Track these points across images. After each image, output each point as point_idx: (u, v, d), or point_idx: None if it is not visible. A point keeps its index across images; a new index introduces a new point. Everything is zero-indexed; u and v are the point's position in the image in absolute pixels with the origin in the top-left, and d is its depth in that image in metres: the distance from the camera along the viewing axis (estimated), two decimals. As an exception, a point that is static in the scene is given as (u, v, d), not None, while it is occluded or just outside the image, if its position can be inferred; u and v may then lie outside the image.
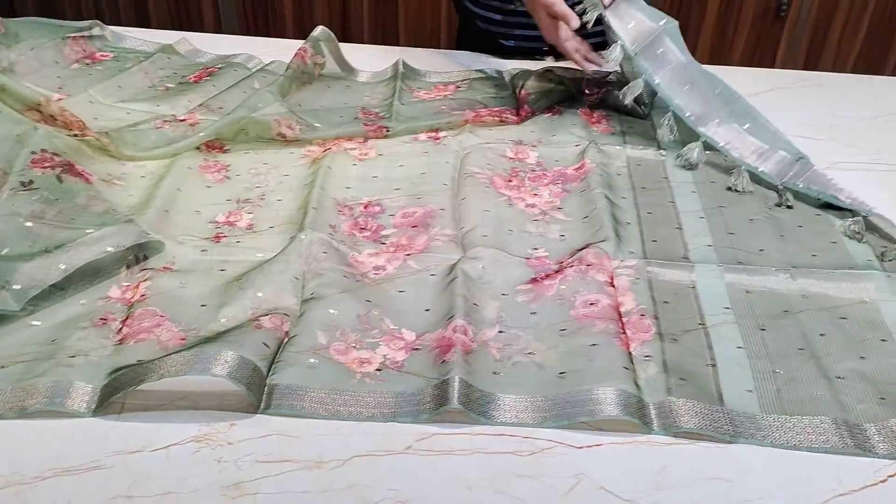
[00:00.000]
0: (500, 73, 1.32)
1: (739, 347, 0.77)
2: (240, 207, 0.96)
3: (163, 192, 0.95)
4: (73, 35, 1.32)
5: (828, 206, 0.99)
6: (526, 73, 1.24)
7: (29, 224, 0.83)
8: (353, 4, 2.40)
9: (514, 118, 1.16)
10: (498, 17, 1.40)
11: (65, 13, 2.46)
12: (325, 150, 1.07)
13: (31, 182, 0.88)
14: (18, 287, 0.77)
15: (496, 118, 1.16)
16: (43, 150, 0.93)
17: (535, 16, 1.20)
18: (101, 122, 1.11)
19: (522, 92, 1.19)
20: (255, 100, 1.10)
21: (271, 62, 1.32)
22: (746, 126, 1.10)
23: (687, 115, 1.09)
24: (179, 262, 0.86)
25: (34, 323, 0.76)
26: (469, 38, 1.48)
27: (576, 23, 1.12)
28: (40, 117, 1.00)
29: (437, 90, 1.27)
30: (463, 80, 1.30)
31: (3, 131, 0.94)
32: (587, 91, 1.23)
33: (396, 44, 1.47)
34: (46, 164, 0.92)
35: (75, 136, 1.01)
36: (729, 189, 1.02)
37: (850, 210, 0.97)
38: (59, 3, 2.48)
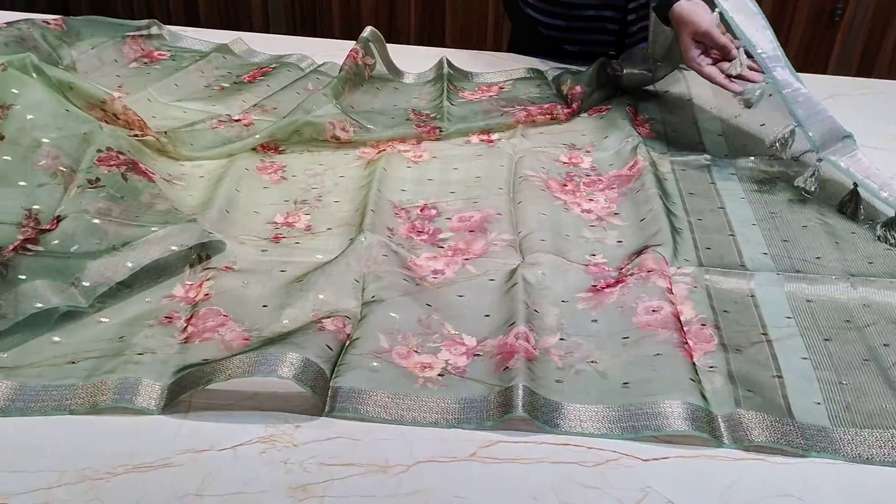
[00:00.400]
0: (539, 72, 1.32)
1: (804, 358, 0.76)
2: (297, 208, 0.97)
3: (223, 193, 0.96)
4: (132, 34, 1.33)
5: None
6: (575, 73, 1.24)
7: (96, 221, 0.85)
8: (401, 5, 2.40)
9: (565, 113, 1.17)
10: (563, 23, 1.39)
11: (117, 11, 2.50)
12: (380, 152, 1.07)
13: (97, 180, 0.90)
14: (88, 284, 0.78)
15: (547, 115, 1.15)
16: (108, 149, 0.95)
17: (678, 38, 1.11)
18: (159, 120, 1.12)
19: (577, 88, 1.19)
20: (310, 102, 1.10)
21: (323, 63, 1.32)
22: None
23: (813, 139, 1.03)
24: (241, 261, 0.86)
25: (102, 319, 0.78)
26: (527, 43, 1.47)
27: (736, 53, 1.06)
28: (103, 115, 1.02)
29: (480, 91, 1.27)
30: (506, 81, 1.31)
31: (71, 129, 0.95)
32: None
33: (442, 45, 1.47)
34: (112, 163, 0.93)
35: (136, 136, 1.02)
36: (796, 187, 1.00)
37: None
38: (112, 1, 2.51)
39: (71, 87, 1.01)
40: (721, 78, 1.08)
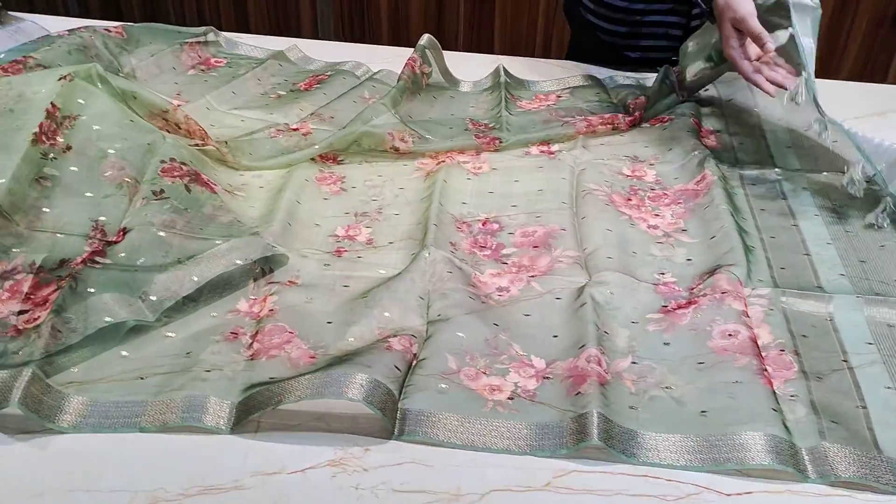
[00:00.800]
0: (595, 79, 1.30)
1: (888, 388, 0.73)
2: (358, 221, 0.96)
3: (284, 205, 0.95)
4: (190, 41, 1.34)
5: None
6: (636, 85, 1.21)
7: (162, 234, 0.84)
8: (449, 11, 2.38)
9: (627, 122, 1.14)
10: (624, 29, 1.36)
11: (168, 16, 2.52)
12: (439, 163, 1.06)
13: (161, 191, 0.89)
14: (155, 298, 0.78)
15: (608, 126, 1.13)
16: (172, 160, 0.95)
17: (719, 25, 1.09)
18: (217, 129, 1.12)
19: (641, 98, 1.17)
20: (369, 112, 1.09)
21: (378, 70, 1.32)
22: None
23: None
24: (304, 276, 0.86)
25: (169, 334, 0.77)
26: (586, 50, 1.44)
27: (771, 45, 1.02)
28: (165, 125, 1.02)
29: (538, 100, 1.25)
30: (563, 90, 1.28)
31: (135, 140, 0.96)
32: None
33: (491, 52, 1.45)
34: (175, 174, 0.93)
35: (196, 145, 1.02)
36: (868, 225, 0.96)
37: None
38: (163, 6, 2.53)
39: (134, 96, 1.01)
40: (754, 75, 1.04)
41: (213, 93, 1.21)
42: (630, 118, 1.15)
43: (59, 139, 0.92)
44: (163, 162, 0.94)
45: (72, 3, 2.57)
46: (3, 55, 1.16)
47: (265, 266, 0.86)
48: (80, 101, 0.96)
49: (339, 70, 1.32)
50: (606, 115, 1.15)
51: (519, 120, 1.17)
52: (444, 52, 1.28)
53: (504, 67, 1.31)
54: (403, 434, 0.67)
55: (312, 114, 1.18)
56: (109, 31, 1.25)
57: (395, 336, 0.75)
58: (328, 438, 0.67)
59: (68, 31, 1.22)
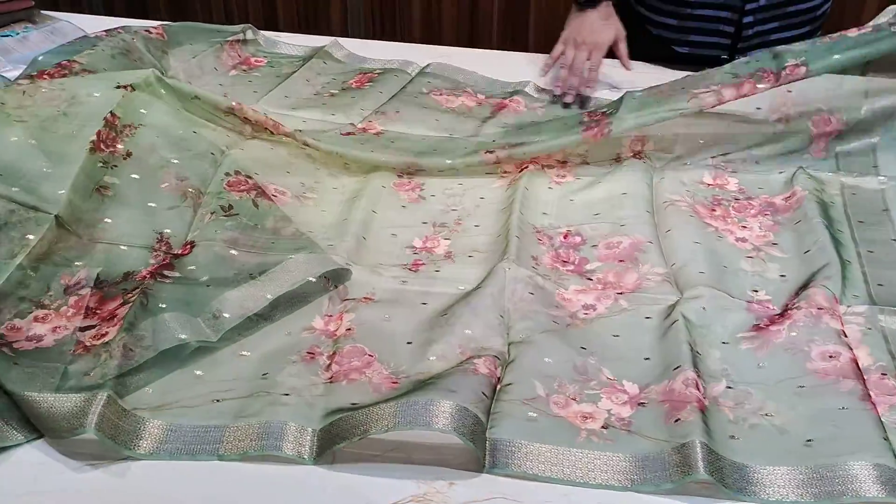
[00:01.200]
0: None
1: None
2: (436, 232, 0.92)
3: (359, 216, 0.92)
4: (230, 40, 1.32)
5: None
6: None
7: (233, 252, 0.82)
8: (483, 8, 2.33)
9: (772, 85, 0.99)
10: (673, 21, 1.31)
11: (195, 13, 2.49)
12: (522, 170, 1.01)
13: (230, 207, 0.87)
14: (228, 315, 0.75)
15: (741, 96, 0.98)
16: (237, 172, 0.93)
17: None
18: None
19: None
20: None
21: (427, 65, 1.30)
22: None
23: None
24: (380, 292, 0.82)
25: (243, 353, 0.75)
26: (635, 45, 1.39)
27: None
28: (230, 125, 1.00)
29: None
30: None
31: (197, 150, 0.94)
32: None
33: (526, 51, 1.39)
34: (242, 188, 0.91)
35: (271, 134, 0.99)
36: None
37: None
38: (191, 3, 2.51)
39: (196, 97, 0.99)
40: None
41: (265, 97, 1.19)
42: (775, 84, 0.98)
43: (119, 146, 0.90)
44: (227, 175, 0.92)
45: (96, 1, 2.56)
46: (42, 57, 1.14)
47: (338, 283, 0.83)
48: (142, 110, 0.94)
49: (388, 68, 1.30)
50: (745, 86, 0.98)
51: (638, 104, 1.03)
52: (479, 50, 1.27)
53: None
54: (495, 467, 0.63)
55: (376, 111, 1.15)
56: (150, 31, 1.24)
57: (479, 357, 0.71)
58: (410, 471, 0.64)
59: (105, 31, 1.20)
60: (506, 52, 1.42)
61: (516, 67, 1.30)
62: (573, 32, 1.24)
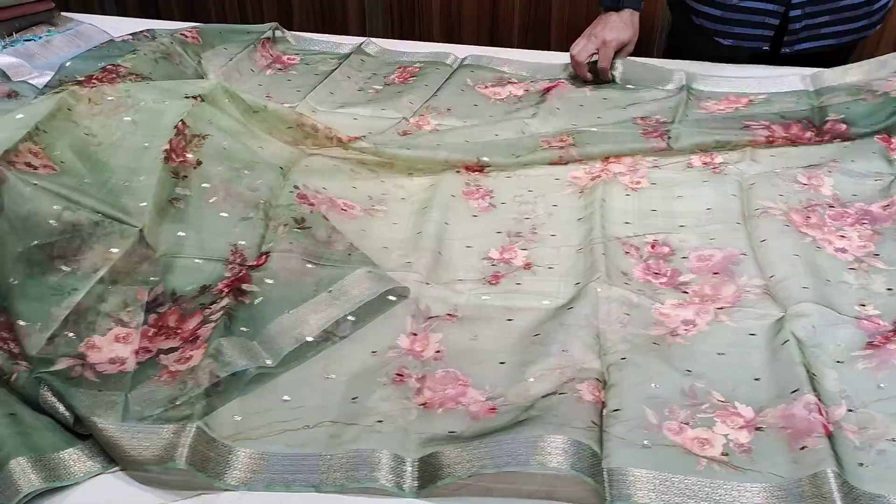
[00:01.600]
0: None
1: None
2: (512, 242, 0.88)
3: (432, 229, 0.88)
4: (261, 40, 1.30)
5: None
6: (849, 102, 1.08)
7: (309, 265, 0.79)
8: (503, 4, 2.28)
9: (813, 140, 1.02)
10: (718, 12, 1.27)
11: (209, 14, 2.45)
12: (594, 178, 0.97)
13: (303, 219, 0.84)
14: (311, 339, 0.73)
15: (788, 141, 1.02)
16: (305, 186, 0.90)
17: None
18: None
19: (843, 126, 1.04)
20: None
21: (465, 57, 1.28)
22: None
23: None
24: (462, 309, 0.78)
25: (330, 376, 0.71)
26: (681, 37, 1.36)
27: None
28: (300, 135, 0.97)
29: (726, 101, 1.13)
30: (758, 94, 1.14)
31: (266, 161, 0.91)
32: None
33: (547, 48, 1.34)
34: (312, 201, 0.88)
35: (339, 143, 0.97)
36: None
37: None
38: (204, 3, 2.46)
39: (264, 108, 0.96)
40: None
41: (310, 95, 1.17)
42: (818, 138, 1.03)
43: (189, 156, 0.87)
44: (296, 188, 0.89)
45: (108, 2, 2.53)
46: (70, 63, 1.10)
47: (421, 303, 0.79)
48: (210, 121, 0.91)
49: (428, 61, 1.27)
50: (793, 128, 1.03)
51: (695, 122, 1.07)
52: (500, 48, 1.26)
53: (688, 73, 1.20)
54: (618, 499, 0.59)
55: (425, 105, 1.14)
56: (186, 35, 1.21)
57: (581, 381, 0.67)
58: (520, 504, 0.60)
59: (131, 34, 1.17)
60: (528, 50, 1.37)
61: (537, 67, 1.27)
62: (591, 28, 1.24)
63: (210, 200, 0.84)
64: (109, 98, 0.89)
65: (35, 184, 0.75)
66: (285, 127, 0.98)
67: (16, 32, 1.35)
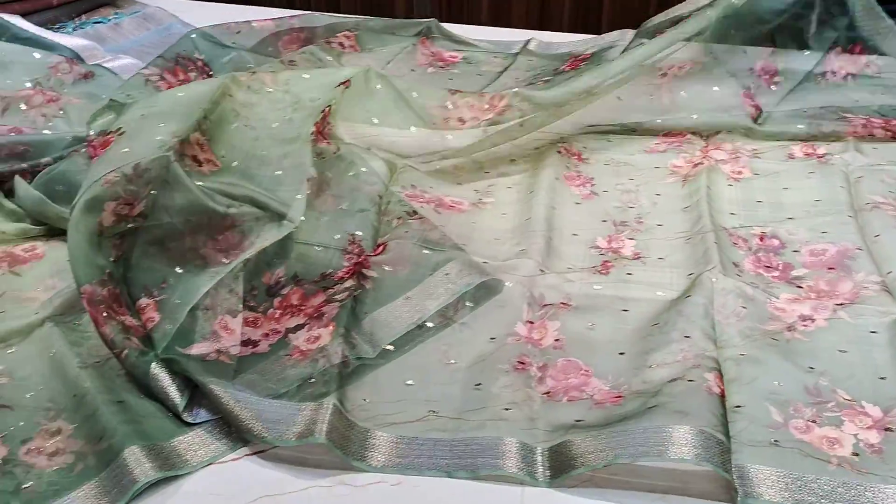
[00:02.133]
0: None
1: None
2: (618, 231, 0.88)
3: (541, 213, 0.88)
4: (421, 38, 1.27)
5: None
6: None
7: (426, 251, 0.80)
8: None
9: None
10: None
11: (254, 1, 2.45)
12: (696, 166, 0.97)
13: (415, 212, 0.85)
14: (431, 326, 0.74)
15: (889, 133, 1.00)
16: (412, 186, 0.92)
17: None
18: None
19: None
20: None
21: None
22: None
23: None
24: (575, 298, 0.79)
25: (451, 362, 0.72)
26: None
27: None
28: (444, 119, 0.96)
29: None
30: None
31: (378, 156, 0.92)
32: None
33: (597, 32, 1.31)
34: (421, 200, 0.89)
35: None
36: None
37: None
38: None
39: (413, 93, 0.96)
40: None
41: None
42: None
43: (325, 141, 0.89)
44: (403, 188, 0.90)
45: None
46: (160, 59, 1.09)
47: (534, 291, 0.79)
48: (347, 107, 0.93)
49: (599, 45, 1.21)
50: (893, 121, 1.00)
51: (782, 112, 1.04)
52: (549, 32, 1.25)
53: None
54: (750, 497, 0.59)
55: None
56: (343, 45, 1.20)
57: (709, 371, 0.67)
58: (651, 500, 0.60)
59: (288, 59, 1.14)
60: (578, 34, 1.32)
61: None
62: None
63: (333, 184, 0.85)
64: (269, 90, 0.91)
65: (200, 184, 0.78)
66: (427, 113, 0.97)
67: (82, 15, 1.36)
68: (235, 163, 0.84)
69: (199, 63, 1.12)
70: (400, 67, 1.20)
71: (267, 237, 0.78)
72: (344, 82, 0.92)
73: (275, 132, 0.88)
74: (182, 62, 1.10)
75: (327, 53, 1.16)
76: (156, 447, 0.63)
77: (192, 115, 0.83)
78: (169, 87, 1.03)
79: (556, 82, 1.00)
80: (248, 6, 1.42)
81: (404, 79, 1.15)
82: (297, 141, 0.86)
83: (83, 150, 0.92)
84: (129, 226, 0.76)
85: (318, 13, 1.29)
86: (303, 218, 0.80)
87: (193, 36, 1.12)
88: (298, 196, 0.81)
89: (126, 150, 0.76)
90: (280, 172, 0.83)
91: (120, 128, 0.82)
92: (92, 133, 0.90)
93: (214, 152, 0.83)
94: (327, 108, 0.89)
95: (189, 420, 0.66)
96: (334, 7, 2.34)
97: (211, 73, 1.12)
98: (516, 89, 0.95)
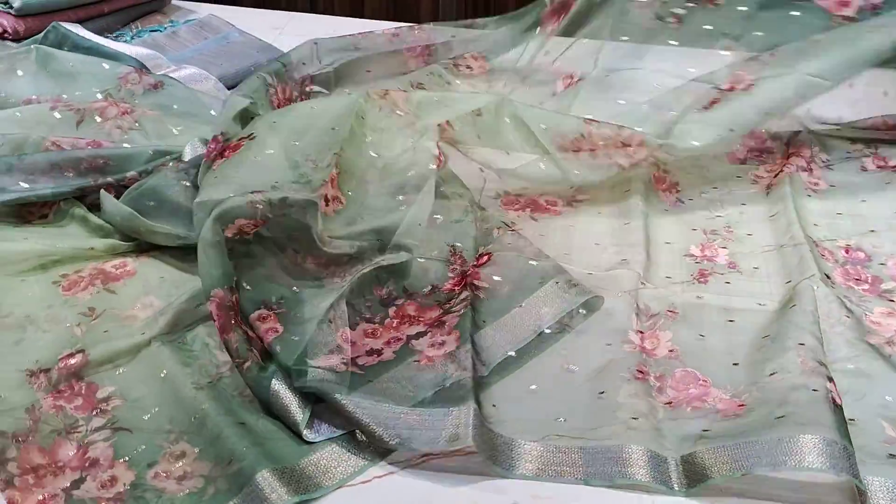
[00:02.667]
0: None
1: None
2: (710, 240, 0.91)
3: (639, 221, 0.91)
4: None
5: None
6: None
7: (533, 263, 0.83)
8: None
9: None
10: None
11: (278, 1, 2.43)
12: (776, 175, 0.99)
13: (513, 223, 0.89)
14: (549, 331, 0.77)
15: None
16: (506, 193, 0.94)
17: None
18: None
19: None
20: None
21: None
22: None
23: None
24: (680, 308, 0.81)
25: (571, 367, 0.74)
26: None
27: None
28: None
29: None
30: None
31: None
32: None
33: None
34: (516, 206, 0.92)
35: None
36: None
37: None
38: None
39: (542, 125, 0.95)
40: None
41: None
42: None
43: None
44: (498, 195, 0.92)
45: None
46: (277, 63, 1.06)
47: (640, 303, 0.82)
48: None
49: None
50: None
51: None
52: None
53: None
54: (877, 508, 0.63)
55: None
56: (471, 67, 1.17)
57: (830, 380, 0.69)
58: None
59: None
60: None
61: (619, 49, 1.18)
62: None
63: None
64: (399, 113, 0.92)
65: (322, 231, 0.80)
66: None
67: (136, 22, 1.34)
68: (359, 198, 0.86)
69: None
70: (533, 91, 1.11)
71: (385, 259, 0.80)
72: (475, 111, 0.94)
73: (402, 165, 0.90)
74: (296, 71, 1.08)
75: (455, 76, 1.15)
76: (287, 469, 0.63)
77: (324, 141, 0.83)
78: (283, 95, 1.03)
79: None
80: (291, 12, 1.39)
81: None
82: (416, 166, 0.89)
83: (171, 163, 0.93)
84: (246, 237, 0.78)
85: (430, 25, 1.25)
86: (416, 243, 0.82)
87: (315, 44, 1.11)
88: (420, 225, 0.84)
89: (258, 158, 0.78)
90: (403, 207, 0.86)
91: (251, 133, 0.83)
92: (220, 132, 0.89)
93: (341, 187, 0.85)
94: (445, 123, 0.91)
95: (310, 438, 0.67)
96: (358, 8, 2.33)
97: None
98: (660, 142, 0.94)
